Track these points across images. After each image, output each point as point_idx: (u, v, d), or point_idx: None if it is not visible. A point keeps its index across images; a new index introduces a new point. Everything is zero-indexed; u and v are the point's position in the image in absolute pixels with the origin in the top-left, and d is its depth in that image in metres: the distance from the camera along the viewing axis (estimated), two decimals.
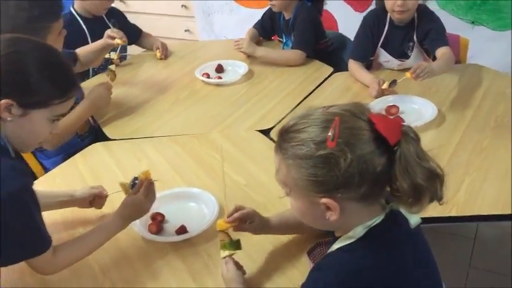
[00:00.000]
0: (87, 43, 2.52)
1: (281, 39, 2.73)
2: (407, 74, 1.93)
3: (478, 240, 2.32)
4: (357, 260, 0.94)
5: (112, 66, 2.18)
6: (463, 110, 1.92)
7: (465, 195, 1.49)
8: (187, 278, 1.29)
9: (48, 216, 1.49)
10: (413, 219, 0.99)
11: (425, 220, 1.42)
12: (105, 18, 2.66)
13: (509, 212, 1.41)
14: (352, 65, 2.25)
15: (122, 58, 2.65)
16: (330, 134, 0.89)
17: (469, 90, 2.07)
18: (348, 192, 0.91)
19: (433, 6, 2.98)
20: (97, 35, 2.55)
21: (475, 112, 1.90)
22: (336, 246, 1.00)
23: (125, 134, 1.99)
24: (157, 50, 2.69)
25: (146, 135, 1.96)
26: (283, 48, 2.66)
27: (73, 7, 2.61)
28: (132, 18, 4.36)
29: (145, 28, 4.26)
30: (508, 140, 1.70)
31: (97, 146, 1.92)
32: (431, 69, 1.90)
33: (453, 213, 1.43)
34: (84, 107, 2.03)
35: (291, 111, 2.03)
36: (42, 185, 1.73)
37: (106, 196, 1.51)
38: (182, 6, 4.08)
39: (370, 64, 2.32)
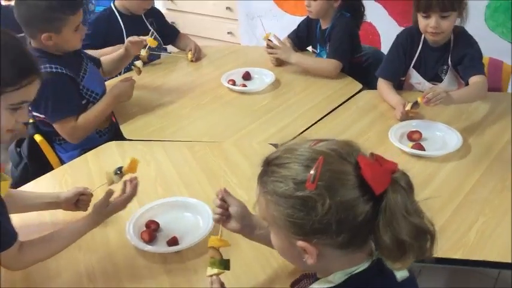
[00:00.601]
0: (123, 40, 2.56)
1: (315, 50, 2.67)
2: (419, 99, 1.83)
3: (500, 280, 2.17)
4: None
5: (138, 62, 2.20)
6: (491, 143, 1.80)
7: (476, 237, 1.39)
8: None
9: (37, 217, 1.52)
10: (400, 274, 0.89)
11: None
12: (144, 17, 2.69)
13: None
14: (381, 84, 2.16)
15: (155, 57, 2.67)
16: (311, 174, 0.83)
17: (501, 122, 1.94)
18: (325, 239, 0.85)
19: (481, 27, 2.86)
20: (133, 33, 2.58)
21: (504, 147, 1.77)
22: (315, 286, 0.94)
23: (141, 135, 1.99)
24: (190, 52, 2.69)
25: (161, 139, 1.96)
26: None
27: (113, 3, 2.66)
28: (179, 17, 4.44)
29: (190, 28, 4.32)
30: None
31: (111, 145, 1.93)
32: (446, 97, 1.79)
33: (458, 256, 1.34)
34: (106, 102, 2.06)
35: (310, 127, 1.98)
36: (51, 180, 1.76)
37: (91, 195, 1.48)
38: (227, 8, 4.08)
39: (400, 85, 2.22)
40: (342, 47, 2.40)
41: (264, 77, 2.40)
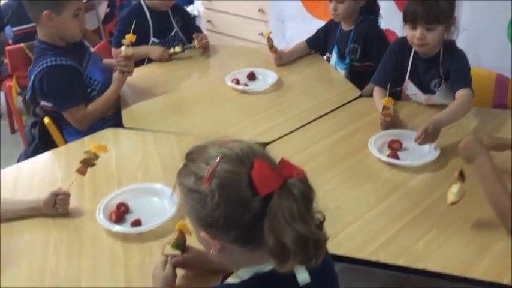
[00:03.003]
0: (149, 35, 2.71)
1: (329, 55, 2.70)
2: (384, 100, 1.93)
3: None
4: None
5: (123, 48, 2.23)
6: None
7: (423, 247, 1.41)
8: (119, 270, 1.37)
9: None
10: (301, 277, 0.92)
11: (365, 263, 1.39)
12: (171, 15, 2.82)
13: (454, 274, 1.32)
14: (375, 91, 2.19)
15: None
16: (207, 170, 0.90)
17: None
18: (218, 233, 0.92)
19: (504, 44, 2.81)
20: (160, 29, 2.74)
21: None
22: (228, 280, 1.01)
23: (139, 124, 2.13)
24: (196, 39, 2.76)
25: (155, 129, 2.08)
26: (334, 65, 2.60)
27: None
28: (215, 17, 4.60)
29: (224, 27, 4.47)
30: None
31: (107, 132, 2.07)
32: (436, 132, 1.81)
33: (401, 263, 1.37)
34: (111, 89, 2.22)
35: (297, 129, 2.04)
36: (47, 159, 1.92)
37: (68, 194, 1.55)
38: (259, 10, 4.17)
39: (398, 95, 2.23)
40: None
41: (267, 77, 2.47)
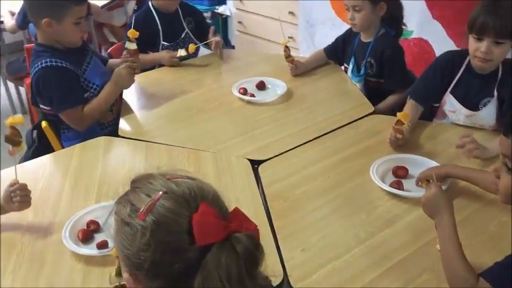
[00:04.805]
0: (159, 37, 2.63)
1: (347, 66, 2.54)
2: (399, 114, 1.75)
3: None
4: None
5: (127, 43, 2.19)
6: (485, 194, 1.57)
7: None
8: None
9: None
10: None
11: None
12: (181, 16, 2.72)
13: None
14: (410, 107, 1.97)
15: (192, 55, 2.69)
16: (144, 206, 0.80)
17: None
18: (143, 278, 0.81)
19: None
20: (169, 31, 2.65)
21: (493, 200, 1.54)
22: None
23: (134, 134, 2.03)
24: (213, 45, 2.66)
25: (148, 139, 1.98)
26: (350, 76, 2.45)
27: (151, 2, 2.72)
28: (246, 18, 4.50)
29: (254, 29, 4.34)
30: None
31: (100, 140, 1.99)
32: (480, 150, 1.72)
33: None
34: (108, 88, 2.13)
35: (297, 146, 1.89)
36: (33, 167, 1.85)
37: (23, 187, 1.43)
38: (289, 12, 4.02)
39: (434, 112, 2.03)
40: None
41: (277, 88, 2.33)
